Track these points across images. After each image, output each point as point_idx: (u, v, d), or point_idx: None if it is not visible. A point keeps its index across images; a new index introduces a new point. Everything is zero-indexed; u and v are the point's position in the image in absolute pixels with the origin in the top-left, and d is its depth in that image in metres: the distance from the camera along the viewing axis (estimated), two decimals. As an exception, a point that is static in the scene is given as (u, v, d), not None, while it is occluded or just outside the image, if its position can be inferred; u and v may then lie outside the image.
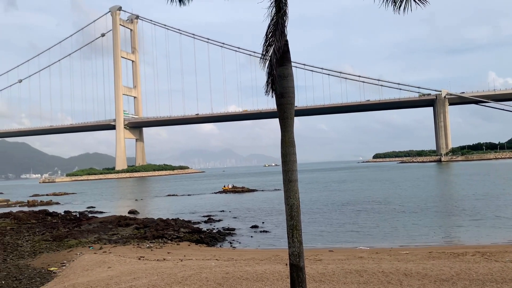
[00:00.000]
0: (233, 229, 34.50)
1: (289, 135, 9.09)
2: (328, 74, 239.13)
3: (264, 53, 9.23)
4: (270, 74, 9.19)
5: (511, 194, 49.85)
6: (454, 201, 47.07)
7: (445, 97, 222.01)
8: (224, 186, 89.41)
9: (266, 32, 9.17)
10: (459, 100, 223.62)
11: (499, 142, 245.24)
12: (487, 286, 12.94)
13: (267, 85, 9.36)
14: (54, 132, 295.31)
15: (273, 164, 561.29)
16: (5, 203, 79.03)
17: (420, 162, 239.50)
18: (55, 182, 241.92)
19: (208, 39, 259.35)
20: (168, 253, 24.44)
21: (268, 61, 9.12)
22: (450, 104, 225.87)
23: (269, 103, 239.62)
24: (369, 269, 15.24)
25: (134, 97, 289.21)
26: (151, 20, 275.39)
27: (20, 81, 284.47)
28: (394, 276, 14.34)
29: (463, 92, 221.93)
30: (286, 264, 16.90)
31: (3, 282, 18.62)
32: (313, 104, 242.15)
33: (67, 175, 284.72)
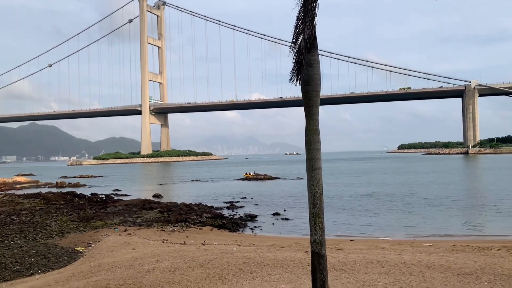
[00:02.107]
0: (255, 216, 34.68)
1: (313, 123, 9.01)
2: (354, 63, 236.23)
3: (294, 40, 9.12)
4: (297, 61, 9.08)
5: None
6: (481, 195, 46.02)
7: (474, 88, 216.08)
8: (246, 173, 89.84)
9: (296, 19, 9.06)
10: (489, 91, 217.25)
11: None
12: (512, 282, 12.65)
13: (293, 73, 9.27)
14: (82, 116, 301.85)
15: (294, 153, 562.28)
16: (35, 184, 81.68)
17: (447, 154, 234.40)
18: (82, 164, 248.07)
19: (234, 26, 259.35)
20: (187, 237, 24.79)
21: (297, 48, 9.02)
22: (480, 95, 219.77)
23: (293, 91, 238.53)
24: (390, 260, 15.12)
25: (160, 83, 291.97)
26: (177, 7, 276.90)
27: (50, 65, 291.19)
28: (416, 267, 14.19)
29: (494, 83, 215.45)
30: (307, 252, 16.92)
31: (32, 259, 19.32)
32: (338, 93, 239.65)
33: (94, 158, 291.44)
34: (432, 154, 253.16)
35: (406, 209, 36.83)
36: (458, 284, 12.44)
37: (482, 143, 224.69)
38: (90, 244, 22.63)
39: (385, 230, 27.79)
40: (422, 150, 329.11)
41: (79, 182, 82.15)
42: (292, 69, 9.24)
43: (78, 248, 21.69)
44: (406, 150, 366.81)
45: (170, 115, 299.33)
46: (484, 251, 17.92)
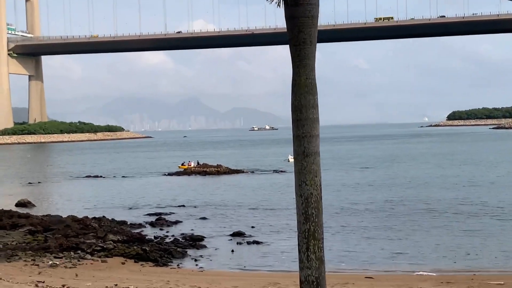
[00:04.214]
0: (201, 238, 34.83)
1: (306, 74, 8.99)
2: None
3: None
4: None
5: None
6: None
7: None
8: (184, 164, 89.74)
9: None
10: None
11: None
12: None
13: None
14: None
15: (267, 127, 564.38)
16: None
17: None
18: None
19: None
20: (78, 276, 24.67)
21: None
22: None
23: (268, 17, 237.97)
24: (434, 310, 15.62)
25: (26, 1, 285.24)
26: None
27: None
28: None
29: None
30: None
31: None
32: (346, 21, 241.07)
33: None
34: (507, 128, 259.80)
35: (457, 225, 37.82)
36: None
37: None
38: None
39: (423, 260, 28.54)
40: (489, 121, 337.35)
41: None
42: None
43: None
44: (461, 122, 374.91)
45: (45, 59, 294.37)
46: None
